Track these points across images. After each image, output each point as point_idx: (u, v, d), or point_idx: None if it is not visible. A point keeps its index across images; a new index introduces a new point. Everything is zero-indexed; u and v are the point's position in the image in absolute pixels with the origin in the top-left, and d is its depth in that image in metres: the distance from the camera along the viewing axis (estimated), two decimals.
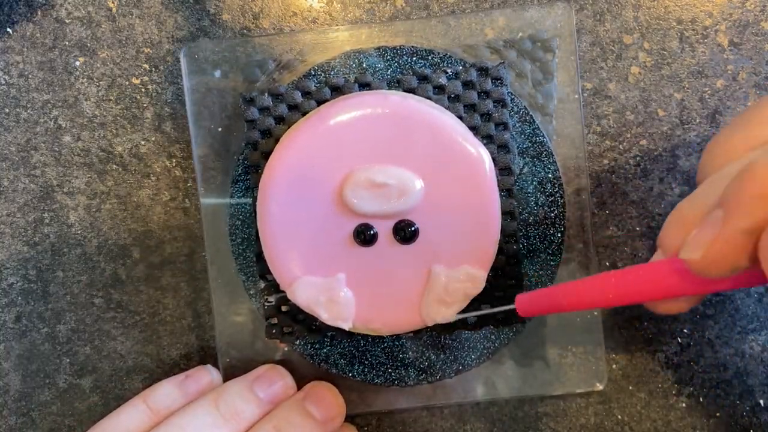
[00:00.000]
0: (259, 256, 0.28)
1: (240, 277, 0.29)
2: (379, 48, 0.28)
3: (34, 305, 0.30)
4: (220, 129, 0.29)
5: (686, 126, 0.30)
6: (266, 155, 0.27)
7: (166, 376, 0.30)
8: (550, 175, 0.29)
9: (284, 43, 0.29)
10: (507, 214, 0.27)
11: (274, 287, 0.28)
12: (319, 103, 0.27)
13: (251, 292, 0.29)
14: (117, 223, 0.30)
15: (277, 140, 0.27)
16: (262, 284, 0.28)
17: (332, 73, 0.28)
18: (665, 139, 0.30)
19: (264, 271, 0.28)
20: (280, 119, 0.27)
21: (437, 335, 0.29)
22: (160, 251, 0.30)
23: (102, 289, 0.30)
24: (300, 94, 0.27)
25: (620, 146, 0.30)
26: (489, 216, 0.26)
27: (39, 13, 0.30)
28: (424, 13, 0.30)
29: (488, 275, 0.26)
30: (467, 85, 0.27)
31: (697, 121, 0.30)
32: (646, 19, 0.30)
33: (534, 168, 0.29)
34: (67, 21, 0.30)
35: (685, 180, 0.30)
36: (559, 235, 0.29)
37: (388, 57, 0.28)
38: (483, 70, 0.27)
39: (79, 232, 0.30)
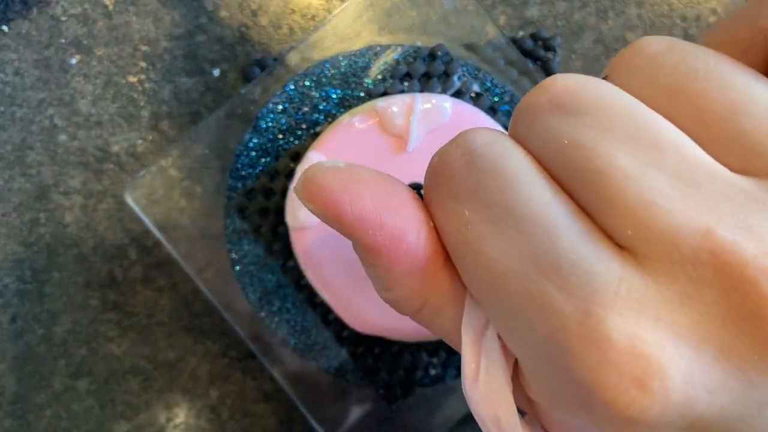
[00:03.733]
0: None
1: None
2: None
3: (29, 306, 0.30)
4: (218, 127, 0.28)
5: None
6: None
7: (163, 378, 0.30)
8: None
9: (284, 40, 0.28)
10: None
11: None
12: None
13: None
14: (113, 224, 0.30)
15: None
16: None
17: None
18: None
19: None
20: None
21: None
22: (157, 252, 0.30)
23: (98, 290, 0.30)
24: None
25: None
26: None
27: (35, 10, 0.30)
28: (425, 11, 0.30)
29: None
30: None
31: None
32: (649, 17, 0.30)
33: None
34: (62, 18, 0.29)
35: None
36: None
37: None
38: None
39: (74, 232, 0.30)
